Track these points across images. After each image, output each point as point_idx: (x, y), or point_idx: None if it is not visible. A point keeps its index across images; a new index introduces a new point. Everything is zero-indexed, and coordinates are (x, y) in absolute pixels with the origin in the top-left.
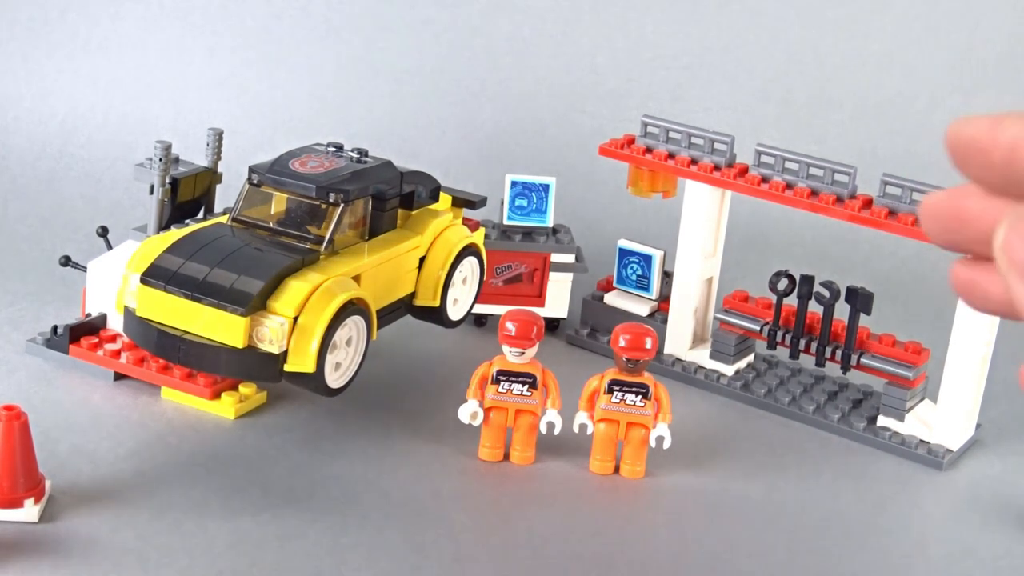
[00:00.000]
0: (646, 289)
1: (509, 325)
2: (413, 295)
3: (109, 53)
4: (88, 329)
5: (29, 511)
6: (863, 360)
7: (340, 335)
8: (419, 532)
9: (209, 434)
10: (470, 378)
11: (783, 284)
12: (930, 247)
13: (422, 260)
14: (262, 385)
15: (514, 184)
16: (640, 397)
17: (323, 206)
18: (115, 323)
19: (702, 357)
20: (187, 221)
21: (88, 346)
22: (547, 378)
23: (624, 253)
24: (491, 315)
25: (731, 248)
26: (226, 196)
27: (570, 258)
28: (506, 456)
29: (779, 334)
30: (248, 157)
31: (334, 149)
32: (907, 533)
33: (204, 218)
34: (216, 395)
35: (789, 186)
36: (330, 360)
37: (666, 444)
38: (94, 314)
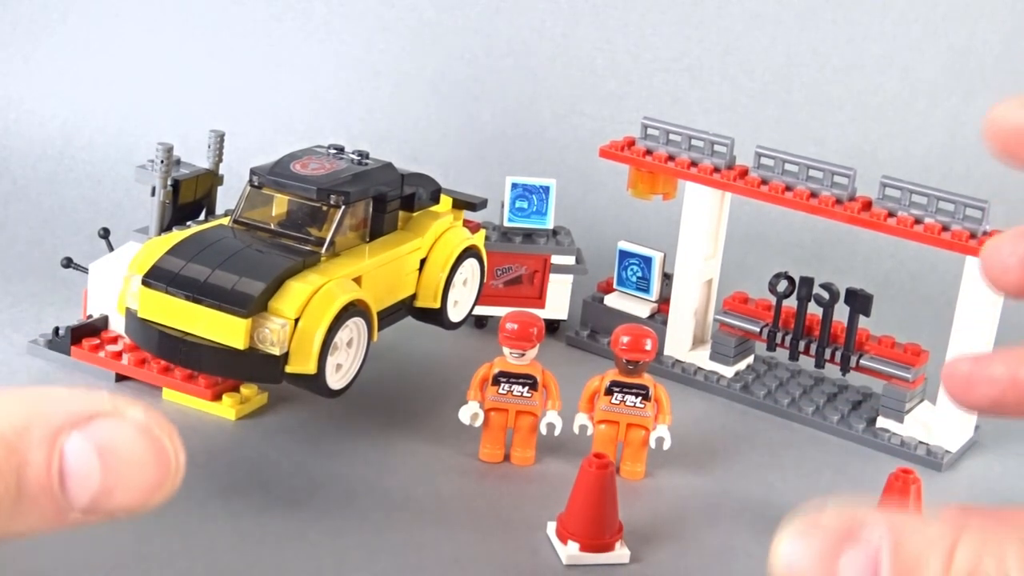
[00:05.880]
0: (646, 291)
1: (509, 326)
2: (414, 297)
3: (110, 55)
4: (90, 330)
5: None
6: (862, 362)
7: (341, 336)
8: (419, 532)
9: (210, 435)
10: (470, 379)
11: (783, 286)
12: (929, 248)
13: (423, 262)
14: (263, 386)
15: (514, 186)
16: (640, 398)
17: (324, 208)
18: (116, 324)
19: (702, 358)
20: (188, 223)
21: (89, 347)
22: (547, 379)
23: (624, 255)
24: (491, 317)
25: (731, 250)
26: (227, 198)
27: (570, 260)
28: (506, 457)
29: (779, 336)
30: (249, 159)
31: (335, 151)
32: None
33: (205, 220)
34: (217, 396)
35: (789, 188)
36: (331, 361)
37: (666, 445)
38: (95, 315)
